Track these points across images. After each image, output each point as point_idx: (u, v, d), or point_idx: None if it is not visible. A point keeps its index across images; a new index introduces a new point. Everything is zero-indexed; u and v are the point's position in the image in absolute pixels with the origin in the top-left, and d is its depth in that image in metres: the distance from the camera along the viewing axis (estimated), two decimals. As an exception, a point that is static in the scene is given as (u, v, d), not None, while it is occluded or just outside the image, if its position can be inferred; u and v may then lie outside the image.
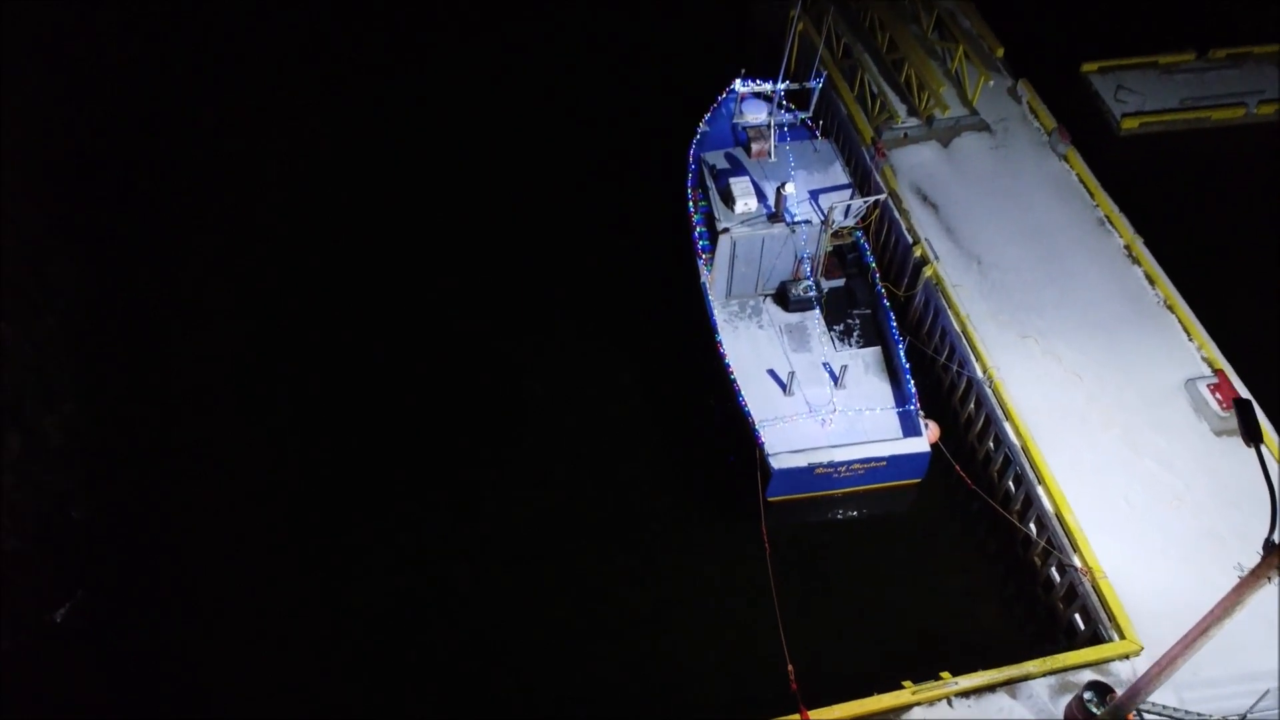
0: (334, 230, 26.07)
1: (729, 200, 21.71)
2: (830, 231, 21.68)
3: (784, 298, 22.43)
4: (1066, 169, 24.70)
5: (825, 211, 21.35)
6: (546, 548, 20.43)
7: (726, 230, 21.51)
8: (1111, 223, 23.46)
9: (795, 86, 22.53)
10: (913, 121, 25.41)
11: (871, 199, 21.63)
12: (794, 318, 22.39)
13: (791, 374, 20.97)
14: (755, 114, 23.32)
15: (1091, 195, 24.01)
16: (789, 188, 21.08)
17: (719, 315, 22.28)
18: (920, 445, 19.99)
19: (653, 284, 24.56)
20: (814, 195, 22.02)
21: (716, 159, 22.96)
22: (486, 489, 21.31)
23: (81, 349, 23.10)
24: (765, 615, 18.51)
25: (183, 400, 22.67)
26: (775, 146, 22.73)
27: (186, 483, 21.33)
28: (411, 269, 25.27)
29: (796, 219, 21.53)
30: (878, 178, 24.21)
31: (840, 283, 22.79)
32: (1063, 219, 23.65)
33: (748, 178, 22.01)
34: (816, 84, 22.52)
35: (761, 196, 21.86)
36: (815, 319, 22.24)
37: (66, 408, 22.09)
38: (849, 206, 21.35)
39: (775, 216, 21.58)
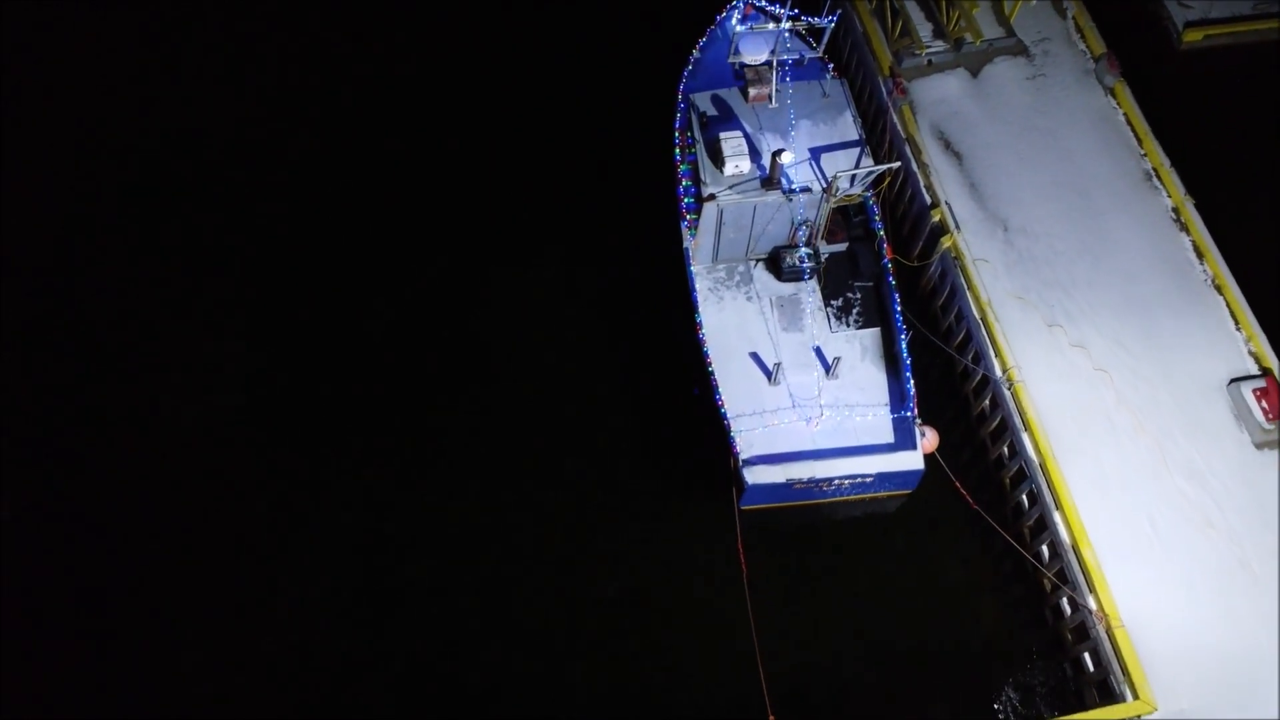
0: (286, 180, 23.21)
1: (718, 158, 18.68)
2: (833, 201, 18.79)
3: (777, 264, 19.78)
4: (1113, 106, 21.30)
5: (828, 179, 18.38)
6: (508, 545, 19.01)
7: (713, 197, 18.65)
8: (1160, 178, 20.36)
9: (804, 21, 19.03)
10: (939, 45, 21.79)
11: (882, 167, 18.52)
12: (787, 288, 19.77)
13: (778, 364, 18.60)
14: (754, 52, 19.74)
15: (1140, 142, 20.77)
16: (786, 156, 18.06)
17: (701, 285, 19.71)
18: (913, 461, 17.79)
19: (636, 237, 21.75)
20: (816, 155, 18.97)
21: (707, 102, 19.73)
22: (451, 474, 19.74)
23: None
24: (743, 642, 17.19)
25: (117, 371, 20.68)
26: (776, 90, 19.46)
27: (126, 469, 19.68)
28: (373, 225, 22.60)
29: (794, 186, 18.61)
30: (894, 118, 20.94)
31: (843, 247, 20.01)
32: (1104, 170, 20.56)
33: (740, 132, 18.85)
34: (829, 22, 18.96)
35: (755, 155, 18.84)
36: (810, 291, 19.66)
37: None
38: (854, 176, 18.37)
39: (770, 181, 18.64)
